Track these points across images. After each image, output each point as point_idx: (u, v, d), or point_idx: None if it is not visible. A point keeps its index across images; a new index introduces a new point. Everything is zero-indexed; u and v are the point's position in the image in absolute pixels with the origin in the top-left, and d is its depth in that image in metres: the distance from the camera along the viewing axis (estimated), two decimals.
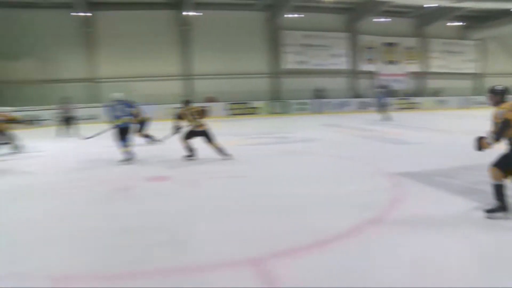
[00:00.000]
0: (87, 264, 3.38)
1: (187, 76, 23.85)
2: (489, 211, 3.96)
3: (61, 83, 21.54)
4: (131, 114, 8.44)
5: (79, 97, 20.30)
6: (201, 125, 8.07)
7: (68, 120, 14.51)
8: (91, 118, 19.23)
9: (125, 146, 8.35)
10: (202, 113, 8.23)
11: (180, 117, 8.22)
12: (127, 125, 8.35)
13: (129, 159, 8.26)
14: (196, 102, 22.53)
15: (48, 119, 17.41)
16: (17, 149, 10.00)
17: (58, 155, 9.84)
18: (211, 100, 23.10)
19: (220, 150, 8.08)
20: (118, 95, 8.73)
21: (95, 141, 10.14)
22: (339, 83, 26.58)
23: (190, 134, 8.13)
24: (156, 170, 7.36)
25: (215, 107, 22.24)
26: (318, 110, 23.84)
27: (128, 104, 8.61)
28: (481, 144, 3.88)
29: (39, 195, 5.85)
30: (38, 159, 9.23)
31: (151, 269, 3.22)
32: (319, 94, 25.30)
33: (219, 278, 3.06)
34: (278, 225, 4.15)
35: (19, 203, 5.42)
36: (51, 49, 21.79)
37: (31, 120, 11.78)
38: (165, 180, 6.50)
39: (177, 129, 8.34)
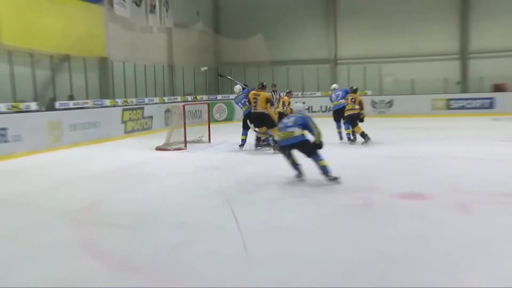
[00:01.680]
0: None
1: (460, 55, 22.57)
2: None
3: (297, 64, 23.70)
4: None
5: (315, 80, 22.00)
6: (354, 109, 12.04)
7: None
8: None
9: (339, 127, 12.85)
10: (360, 102, 12.14)
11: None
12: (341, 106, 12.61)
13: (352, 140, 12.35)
14: (474, 91, 20.99)
15: None
16: None
17: None
18: (499, 88, 20.98)
19: (362, 135, 11.94)
20: (334, 85, 13.85)
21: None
22: None
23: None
24: (404, 183, 7.47)
25: (504, 98, 20.34)
26: None
27: (347, 90, 12.95)
28: None
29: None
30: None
31: None
32: None
33: None
34: None
35: None
36: (289, 28, 24.33)
37: None
38: (423, 199, 6.47)
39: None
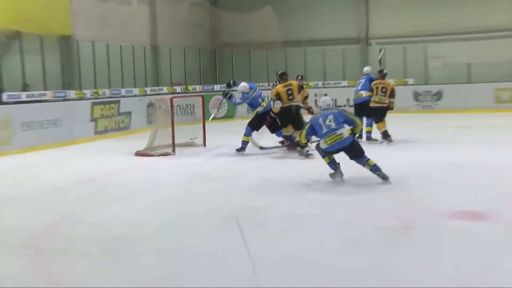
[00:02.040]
0: None
1: None
2: None
3: (318, 45, 23.81)
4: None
5: (341, 66, 22.15)
6: (382, 102, 12.47)
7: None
8: None
9: (368, 125, 12.82)
10: (393, 91, 12.56)
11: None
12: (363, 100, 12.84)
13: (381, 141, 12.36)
14: None
15: None
16: None
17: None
18: None
19: (384, 135, 12.51)
20: (367, 68, 13.83)
21: None
22: None
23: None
24: (457, 199, 7.43)
25: None
26: None
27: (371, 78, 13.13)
28: None
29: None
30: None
31: None
32: None
33: None
34: None
35: None
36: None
37: None
38: (482, 220, 6.45)
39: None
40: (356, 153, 8.42)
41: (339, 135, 8.31)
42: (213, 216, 6.84)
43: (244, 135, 12.02)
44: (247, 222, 6.48)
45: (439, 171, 9.50)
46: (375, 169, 8.33)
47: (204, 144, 13.42)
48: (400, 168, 9.59)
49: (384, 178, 8.30)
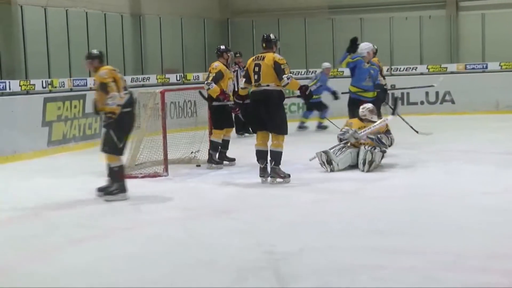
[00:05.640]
0: None
1: None
2: (107, 193, 10.33)
3: (379, 11, 23.80)
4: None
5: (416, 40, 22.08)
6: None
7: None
8: None
9: None
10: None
11: None
12: None
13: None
14: None
15: None
16: None
17: None
18: None
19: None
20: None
21: None
22: None
23: None
24: None
25: None
26: None
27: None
28: None
29: None
30: None
31: None
32: None
33: None
34: None
35: None
36: None
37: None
38: None
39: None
40: None
41: None
42: (227, 269, 6.60)
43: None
44: (274, 277, 6.35)
45: None
46: None
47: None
48: (496, 195, 9.65)
49: None
